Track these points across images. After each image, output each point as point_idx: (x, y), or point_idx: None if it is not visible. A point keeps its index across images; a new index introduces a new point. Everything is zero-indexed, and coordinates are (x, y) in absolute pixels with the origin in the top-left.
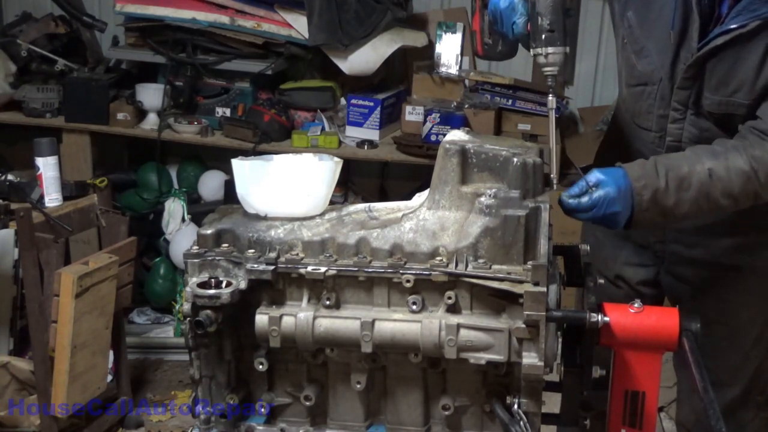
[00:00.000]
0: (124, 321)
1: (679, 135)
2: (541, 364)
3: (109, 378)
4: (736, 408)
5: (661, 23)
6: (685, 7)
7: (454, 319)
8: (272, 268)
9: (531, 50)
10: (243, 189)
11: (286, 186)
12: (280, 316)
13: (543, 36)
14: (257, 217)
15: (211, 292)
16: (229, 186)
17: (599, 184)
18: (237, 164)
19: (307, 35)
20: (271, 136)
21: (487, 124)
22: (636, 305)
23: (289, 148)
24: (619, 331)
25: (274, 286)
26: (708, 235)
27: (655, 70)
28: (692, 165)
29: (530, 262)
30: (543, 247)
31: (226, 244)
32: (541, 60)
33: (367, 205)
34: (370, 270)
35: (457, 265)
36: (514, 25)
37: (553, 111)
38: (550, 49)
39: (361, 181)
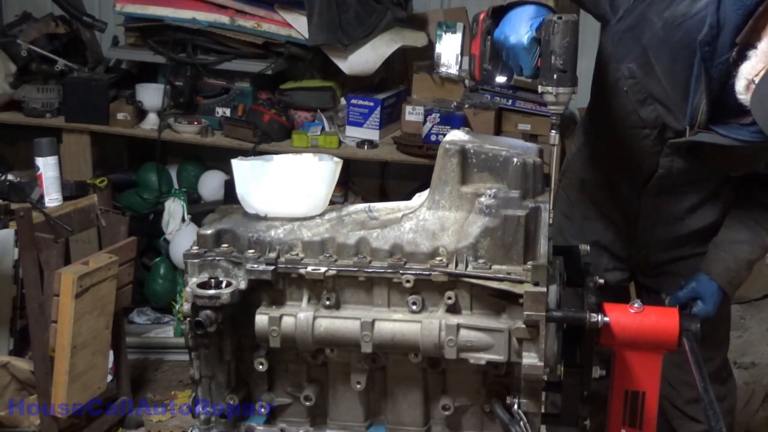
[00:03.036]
0: (124, 321)
1: (669, 167)
2: (541, 364)
3: (109, 378)
4: (713, 380)
5: (671, 77)
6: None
7: (454, 320)
8: (272, 268)
9: (540, 87)
10: (243, 189)
11: (286, 186)
12: (280, 317)
13: (555, 76)
14: (257, 217)
15: (211, 292)
16: (229, 186)
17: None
18: (237, 164)
19: (307, 35)
20: (271, 136)
21: (487, 124)
22: (636, 305)
23: (289, 148)
24: (619, 331)
25: (274, 286)
26: (686, 240)
27: (658, 117)
28: (755, 247)
29: (530, 262)
30: (543, 247)
31: (226, 244)
32: (550, 98)
33: (367, 205)
34: (370, 270)
35: (457, 265)
36: (526, 64)
37: (556, 147)
38: (560, 89)
39: (361, 181)
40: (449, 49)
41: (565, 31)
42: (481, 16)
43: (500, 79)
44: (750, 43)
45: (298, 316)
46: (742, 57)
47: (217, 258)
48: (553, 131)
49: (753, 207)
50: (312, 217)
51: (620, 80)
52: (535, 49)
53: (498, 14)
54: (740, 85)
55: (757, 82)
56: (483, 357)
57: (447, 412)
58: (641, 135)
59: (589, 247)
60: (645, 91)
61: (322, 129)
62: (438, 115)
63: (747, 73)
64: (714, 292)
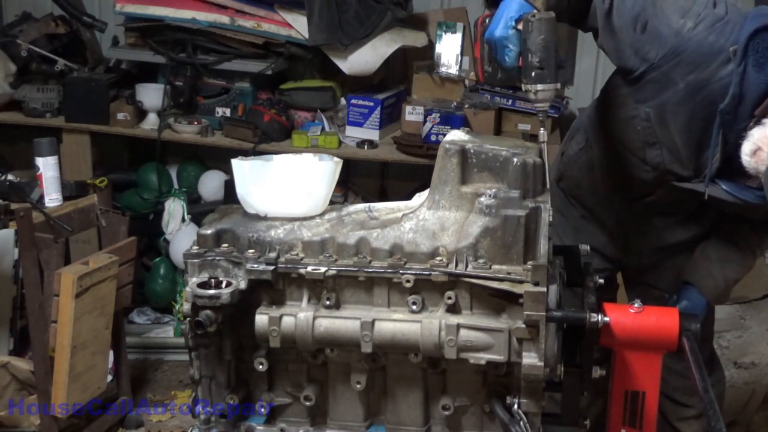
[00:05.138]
0: (124, 321)
1: (663, 195)
2: (541, 364)
3: (109, 378)
4: None
5: (686, 134)
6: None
7: (454, 319)
8: (272, 268)
9: (522, 86)
10: (243, 189)
11: (286, 186)
12: (280, 316)
13: (533, 73)
14: (257, 217)
15: (211, 292)
16: (229, 186)
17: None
18: (237, 164)
19: (307, 35)
20: (271, 136)
21: (487, 124)
22: (636, 305)
23: (289, 148)
24: (619, 331)
25: (274, 286)
26: (675, 248)
27: (662, 162)
28: (743, 267)
29: (530, 262)
30: (543, 247)
31: (226, 244)
32: (531, 96)
33: (367, 205)
34: (370, 270)
35: (457, 265)
36: (507, 56)
37: (545, 144)
38: (539, 86)
39: (361, 181)
40: (449, 49)
41: (540, 28)
42: (480, 20)
43: (502, 78)
44: (767, 114)
45: (298, 316)
46: (758, 124)
47: (217, 258)
48: (541, 129)
49: (742, 227)
50: (312, 217)
51: (635, 119)
52: (515, 40)
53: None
54: (747, 147)
55: None
56: (483, 357)
57: (447, 412)
58: (642, 169)
59: (589, 248)
60: (654, 137)
61: (322, 129)
62: (438, 115)
63: (757, 139)
64: (702, 307)
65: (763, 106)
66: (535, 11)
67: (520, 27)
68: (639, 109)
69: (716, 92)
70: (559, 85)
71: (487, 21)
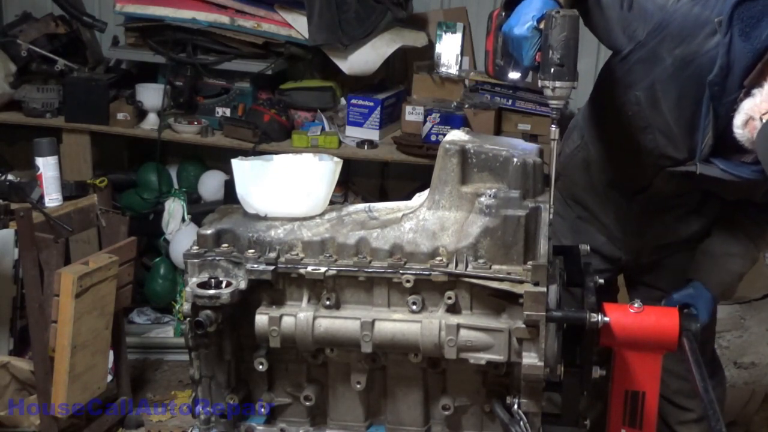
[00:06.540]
0: (124, 321)
1: (661, 186)
2: (541, 364)
3: (109, 378)
4: None
5: (677, 111)
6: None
7: (454, 319)
8: (272, 268)
9: (539, 81)
10: (243, 189)
11: (286, 186)
12: (280, 316)
13: (552, 69)
14: (257, 217)
15: (211, 292)
16: (229, 186)
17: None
18: (237, 164)
19: (307, 35)
20: (271, 136)
21: (487, 124)
22: (636, 305)
23: (289, 148)
24: (619, 331)
25: (274, 286)
26: (675, 247)
27: (656, 146)
28: (746, 260)
29: (530, 262)
30: (543, 247)
31: (226, 244)
32: (548, 93)
33: (367, 205)
34: (370, 270)
35: (457, 265)
36: (526, 54)
37: (555, 141)
38: (557, 83)
39: (361, 181)
40: (449, 49)
41: (563, 25)
42: (495, 13)
43: (513, 75)
44: (757, 84)
45: (298, 316)
46: (747, 96)
47: (217, 258)
48: (552, 126)
49: (742, 220)
50: (312, 217)
51: (626, 104)
52: (536, 39)
53: (510, 9)
54: (739, 119)
55: (765, 120)
56: (483, 357)
57: (447, 412)
58: (637, 156)
59: (588, 248)
60: (647, 121)
61: (322, 129)
62: (438, 115)
63: (748, 109)
64: (708, 300)
65: (752, 75)
66: (558, 8)
67: (542, 26)
68: (629, 94)
69: (704, 65)
70: (576, 84)
71: (503, 14)
